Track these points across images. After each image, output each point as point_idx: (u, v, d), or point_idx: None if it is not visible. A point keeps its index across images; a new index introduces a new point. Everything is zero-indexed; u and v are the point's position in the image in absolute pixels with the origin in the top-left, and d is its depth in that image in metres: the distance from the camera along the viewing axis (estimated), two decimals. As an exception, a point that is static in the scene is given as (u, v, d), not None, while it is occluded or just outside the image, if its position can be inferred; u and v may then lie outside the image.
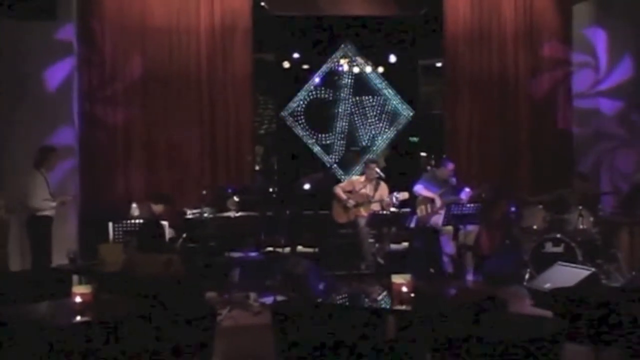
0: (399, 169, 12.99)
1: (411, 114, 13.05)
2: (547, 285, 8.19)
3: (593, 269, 8.48)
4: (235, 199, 9.95)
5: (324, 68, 12.90)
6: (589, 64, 11.68)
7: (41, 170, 9.06)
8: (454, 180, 10.61)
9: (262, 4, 11.64)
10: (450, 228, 10.00)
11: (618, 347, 5.21)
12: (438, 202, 10.29)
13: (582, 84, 11.75)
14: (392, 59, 13.18)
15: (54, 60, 10.26)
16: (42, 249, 8.96)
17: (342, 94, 12.97)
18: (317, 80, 12.92)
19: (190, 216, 9.86)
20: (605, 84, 11.50)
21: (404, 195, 10.30)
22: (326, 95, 12.98)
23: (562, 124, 11.73)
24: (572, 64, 11.77)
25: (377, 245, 10.61)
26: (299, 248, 10.97)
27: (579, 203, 9.91)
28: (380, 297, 6.05)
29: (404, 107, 13.02)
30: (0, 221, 8.96)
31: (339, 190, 10.77)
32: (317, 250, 10.76)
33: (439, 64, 12.79)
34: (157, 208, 9.68)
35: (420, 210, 10.52)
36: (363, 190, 10.70)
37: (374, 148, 13.02)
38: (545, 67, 11.67)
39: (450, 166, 10.60)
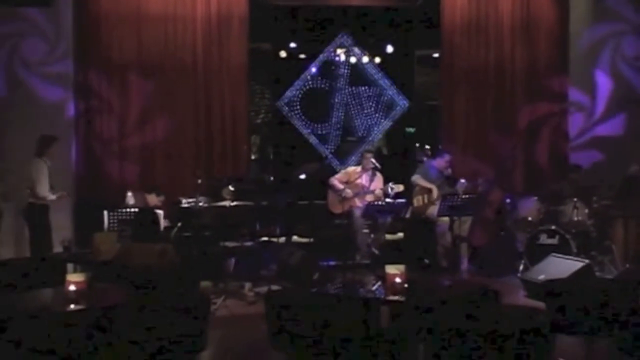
0: (396, 159, 13.00)
1: (407, 104, 13.05)
2: (541, 277, 8.21)
3: (587, 261, 8.49)
4: (231, 188, 9.92)
5: (321, 58, 12.89)
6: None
7: (44, 158, 9.05)
8: (449, 171, 10.63)
9: (259, -8, 11.61)
10: (446, 219, 10.00)
11: (610, 338, 5.23)
12: (435, 193, 10.30)
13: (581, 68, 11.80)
14: (389, 49, 13.14)
15: (49, 48, 10.25)
16: (42, 237, 8.95)
17: (338, 84, 12.96)
18: (313, 70, 12.91)
19: (185, 205, 9.82)
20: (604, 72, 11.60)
21: (399, 187, 10.31)
22: (323, 85, 12.97)
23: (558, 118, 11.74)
24: (569, 53, 11.75)
25: (372, 235, 10.60)
26: (294, 238, 10.98)
27: (574, 195, 9.93)
28: (374, 288, 6.07)
29: (401, 97, 13.02)
30: (-4, 210, 8.96)
31: (335, 181, 10.75)
32: (312, 240, 10.76)
33: (435, 55, 12.76)
34: (151, 198, 9.68)
35: (417, 201, 10.53)
36: (359, 180, 10.68)
37: (370, 138, 13.01)
38: (542, 60, 11.66)
39: (447, 157, 10.61)
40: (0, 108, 10.00)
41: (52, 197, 9.02)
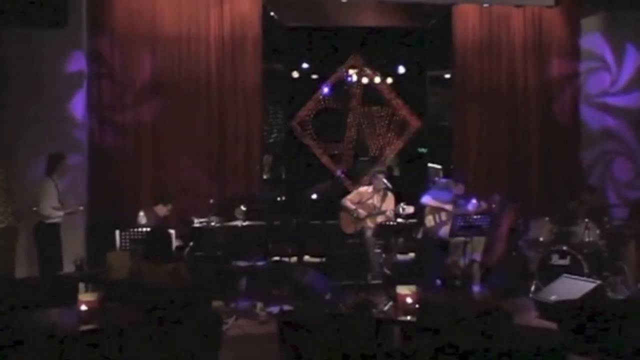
0: (408, 179, 12.99)
1: (419, 124, 13.04)
2: (553, 297, 8.21)
3: (599, 282, 8.47)
4: (243, 208, 9.95)
5: (333, 78, 12.90)
6: (598, 68, 11.70)
7: (53, 177, 9.12)
8: (461, 190, 10.63)
9: (272, 13, 11.68)
10: (460, 239, 9.99)
11: (623, 359, 5.20)
12: (449, 208, 10.31)
13: (593, 88, 11.74)
14: (401, 69, 13.17)
15: (64, 68, 10.33)
16: (51, 256, 9.00)
17: (350, 104, 12.96)
18: (325, 90, 12.92)
19: (197, 225, 9.88)
20: (617, 85, 11.57)
21: (410, 208, 10.30)
22: (335, 105, 12.99)
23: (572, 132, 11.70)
24: (580, 74, 11.74)
25: (384, 255, 10.59)
26: (306, 257, 10.96)
27: (586, 215, 9.90)
28: (386, 308, 6.06)
29: (413, 117, 13.01)
30: (9, 228, 8.98)
31: (347, 202, 10.75)
32: (324, 260, 10.76)
33: (447, 75, 12.79)
34: (159, 209, 9.72)
35: (429, 221, 10.53)
36: (370, 201, 10.69)
37: (383, 158, 13.00)
38: (554, 79, 11.66)
39: (461, 186, 10.60)
40: (12, 129, 10.06)
41: (59, 213, 9.08)
